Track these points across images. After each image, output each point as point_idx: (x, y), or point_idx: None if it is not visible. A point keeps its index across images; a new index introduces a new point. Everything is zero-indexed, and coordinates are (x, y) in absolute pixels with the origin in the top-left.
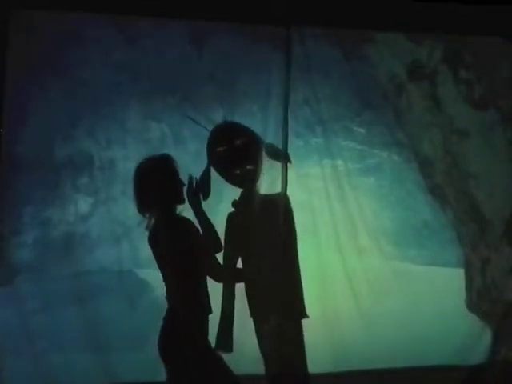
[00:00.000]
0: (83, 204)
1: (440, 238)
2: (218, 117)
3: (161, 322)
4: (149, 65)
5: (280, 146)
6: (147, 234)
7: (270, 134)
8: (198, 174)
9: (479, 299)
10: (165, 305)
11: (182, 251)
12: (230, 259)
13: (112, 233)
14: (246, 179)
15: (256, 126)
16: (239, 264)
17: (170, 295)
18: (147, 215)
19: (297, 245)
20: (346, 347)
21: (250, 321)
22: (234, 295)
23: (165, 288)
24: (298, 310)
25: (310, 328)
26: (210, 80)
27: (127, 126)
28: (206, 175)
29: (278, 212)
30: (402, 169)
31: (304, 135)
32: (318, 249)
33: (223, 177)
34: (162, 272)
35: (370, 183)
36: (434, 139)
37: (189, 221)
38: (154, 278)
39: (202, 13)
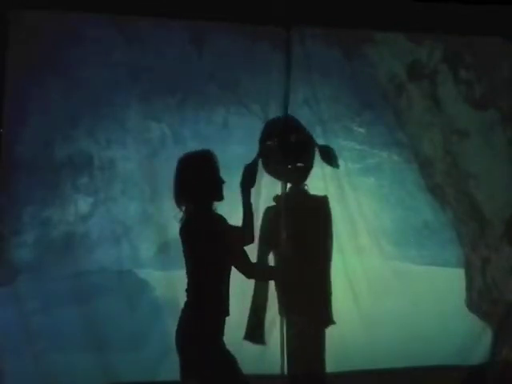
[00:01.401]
0: (83, 204)
1: (440, 238)
2: (219, 117)
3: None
4: (149, 65)
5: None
6: (179, 225)
7: None
8: None
9: (479, 299)
10: (166, 303)
11: (212, 249)
12: (263, 254)
13: (112, 233)
14: (294, 176)
15: (256, 126)
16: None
17: (190, 290)
18: (183, 208)
19: (332, 250)
20: (346, 347)
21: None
22: (267, 288)
23: (186, 281)
24: (324, 318)
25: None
26: (210, 80)
27: (127, 126)
28: (253, 166)
29: (318, 214)
30: (402, 169)
31: None
32: None
33: (269, 170)
34: (186, 265)
35: (370, 183)
36: (434, 139)
37: (223, 219)
38: (154, 278)
39: (202, 13)
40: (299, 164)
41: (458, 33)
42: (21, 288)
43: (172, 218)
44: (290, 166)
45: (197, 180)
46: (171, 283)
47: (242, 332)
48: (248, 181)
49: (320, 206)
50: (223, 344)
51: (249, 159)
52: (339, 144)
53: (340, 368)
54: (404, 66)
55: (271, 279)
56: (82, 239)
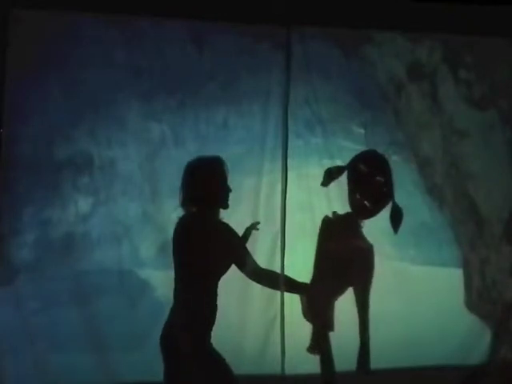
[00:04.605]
0: (83, 204)
1: (439, 238)
2: (219, 117)
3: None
4: (149, 65)
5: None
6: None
7: (269, 134)
8: None
9: (478, 299)
10: (167, 303)
11: (204, 256)
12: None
13: (112, 233)
14: (358, 209)
15: (256, 126)
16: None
17: (179, 294)
18: (187, 210)
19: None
20: (345, 347)
21: (249, 322)
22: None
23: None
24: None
25: (310, 328)
26: (210, 80)
27: (127, 126)
28: (337, 172)
29: (359, 258)
30: (401, 169)
31: (304, 135)
32: None
33: (349, 186)
34: (175, 268)
35: None
36: (434, 139)
37: (230, 227)
38: (154, 277)
39: (202, 13)
40: (366, 202)
41: (458, 33)
42: (21, 288)
43: (172, 217)
44: (358, 197)
45: (206, 185)
46: (172, 283)
47: (242, 332)
48: (325, 182)
49: (363, 253)
50: (211, 348)
51: (248, 159)
52: (339, 144)
53: (339, 368)
54: (404, 66)
55: (291, 292)
56: (82, 239)
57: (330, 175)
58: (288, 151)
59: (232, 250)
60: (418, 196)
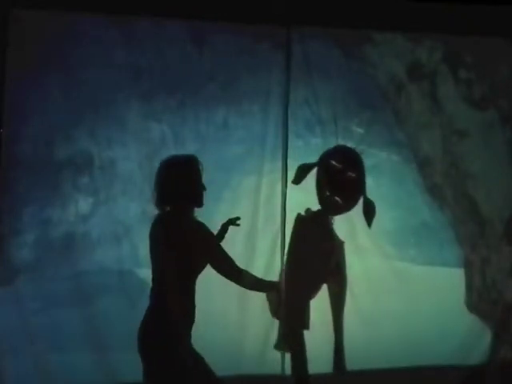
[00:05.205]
0: (83, 204)
1: (439, 238)
2: (219, 117)
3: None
4: (149, 65)
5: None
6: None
7: (270, 134)
8: None
9: (479, 299)
10: None
11: (187, 254)
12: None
13: (112, 233)
14: (329, 205)
15: (256, 126)
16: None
17: (156, 292)
18: (161, 209)
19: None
20: (345, 347)
21: (249, 322)
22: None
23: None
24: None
25: (310, 328)
26: (210, 80)
27: (127, 126)
28: (307, 168)
29: (332, 254)
30: (401, 169)
31: (304, 135)
32: None
33: (318, 181)
34: (152, 266)
35: (369, 183)
36: (434, 139)
37: (200, 225)
38: None
39: (202, 13)
40: (337, 198)
41: (458, 33)
42: (21, 288)
43: None
44: (329, 193)
45: (180, 184)
46: None
47: (242, 332)
48: (296, 180)
49: (333, 250)
50: (191, 348)
51: (248, 159)
52: (338, 144)
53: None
54: (404, 66)
55: (262, 291)
56: (82, 239)
57: (302, 172)
58: (288, 151)
59: (207, 249)
60: (419, 196)
